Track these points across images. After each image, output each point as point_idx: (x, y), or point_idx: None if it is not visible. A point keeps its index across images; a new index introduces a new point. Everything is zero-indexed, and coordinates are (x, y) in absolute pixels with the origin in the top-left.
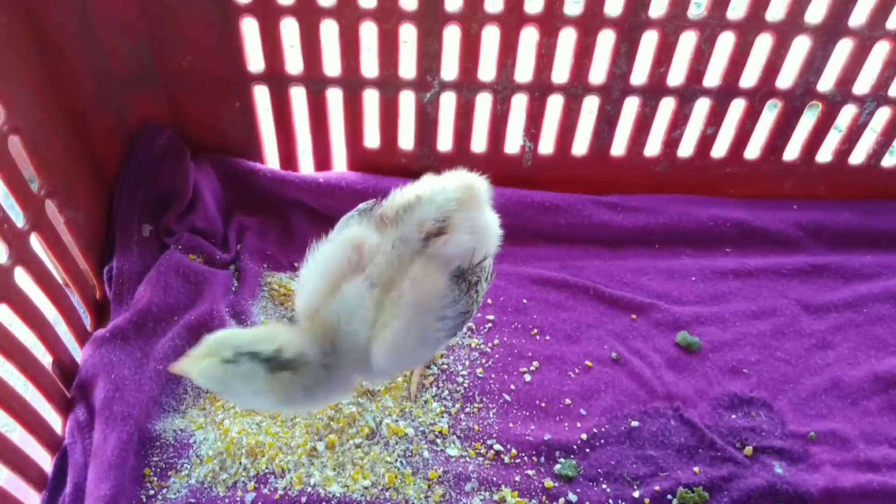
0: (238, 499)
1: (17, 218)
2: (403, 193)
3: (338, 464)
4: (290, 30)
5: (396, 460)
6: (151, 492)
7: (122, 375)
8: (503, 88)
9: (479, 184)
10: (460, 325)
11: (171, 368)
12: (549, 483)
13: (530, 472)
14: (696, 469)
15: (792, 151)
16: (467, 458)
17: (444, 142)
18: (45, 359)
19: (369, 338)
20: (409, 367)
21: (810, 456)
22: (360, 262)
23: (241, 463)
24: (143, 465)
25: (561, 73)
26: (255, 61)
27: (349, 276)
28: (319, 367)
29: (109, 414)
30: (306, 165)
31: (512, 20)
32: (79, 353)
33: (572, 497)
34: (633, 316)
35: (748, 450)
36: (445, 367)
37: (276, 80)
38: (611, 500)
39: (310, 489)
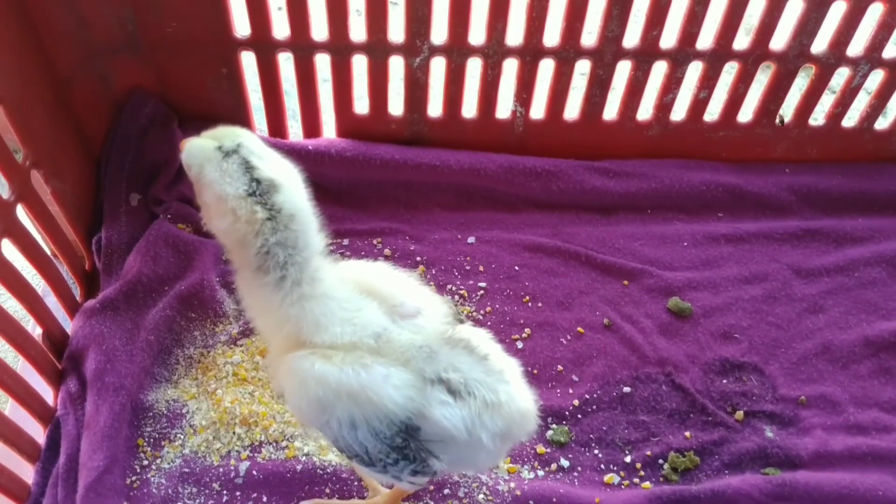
0: (232, 468)
1: (3, 189)
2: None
3: None
4: None
5: None
6: (145, 462)
7: (114, 346)
8: (494, 53)
9: None
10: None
11: (182, 142)
12: (541, 449)
13: None
14: (687, 434)
15: (785, 114)
16: None
17: (435, 107)
18: (35, 331)
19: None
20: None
21: (801, 420)
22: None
23: (234, 432)
24: (137, 436)
25: (552, 36)
26: (242, 26)
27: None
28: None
29: (101, 385)
30: (295, 133)
31: None
32: (69, 325)
33: (564, 462)
34: (625, 282)
35: (739, 414)
36: None
37: (263, 45)
38: (602, 465)
39: (304, 458)
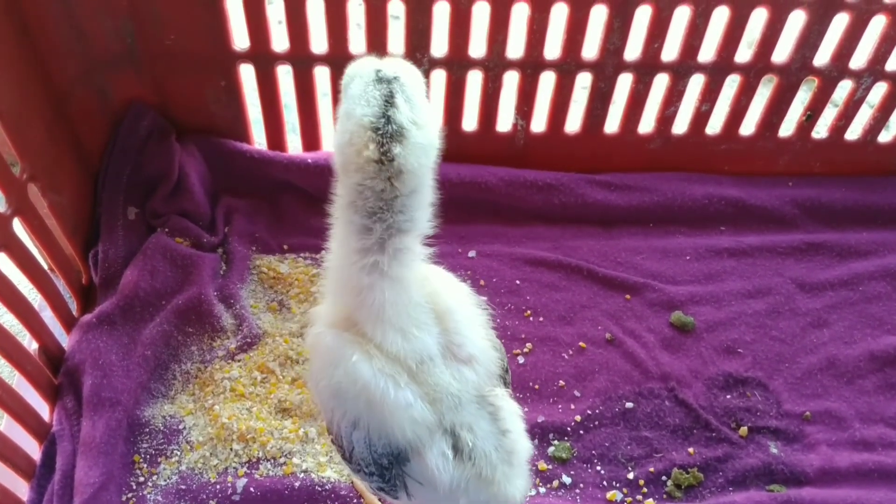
0: (229, 484)
1: (0, 202)
2: None
3: (330, 449)
4: (275, 5)
5: None
6: (141, 478)
7: (110, 361)
8: (494, 65)
9: None
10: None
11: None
12: (542, 465)
13: None
14: (690, 450)
15: (787, 128)
16: None
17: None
18: (32, 345)
19: None
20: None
21: (806, 436)
22: None
23: (232, 449)
24: (133, 452)
25: (553, 49)
26: (241, 39)
27: None
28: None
29: (97, 400)
30: (295, 146)
31: None
32: (65, 340)
33: (566, 479)
34: (627, 296)
35: (743, 430)
36: None
37: (262, 58)
38: (605, 482)
39: (302, 475)
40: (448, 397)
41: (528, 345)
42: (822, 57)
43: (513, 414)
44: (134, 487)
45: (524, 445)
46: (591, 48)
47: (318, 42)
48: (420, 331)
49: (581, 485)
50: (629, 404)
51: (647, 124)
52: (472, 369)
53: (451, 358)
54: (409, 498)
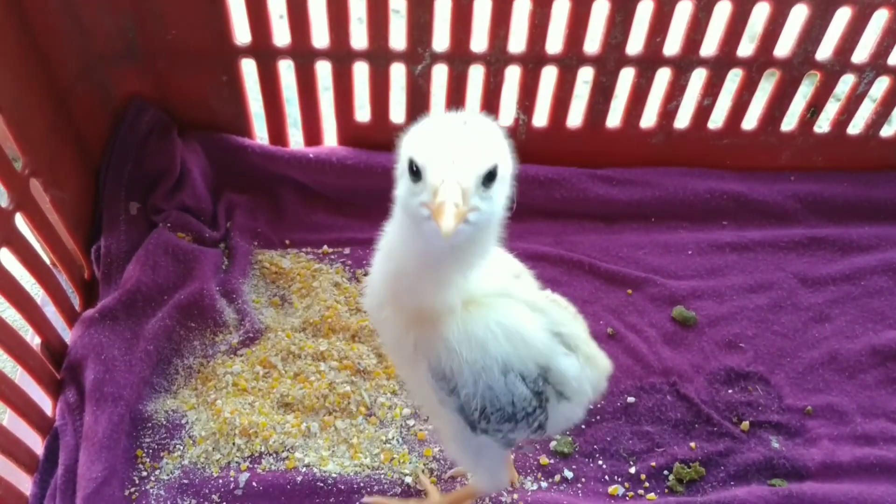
0: (232, 479)
1: (2, 198)
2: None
3: (333, 443)
4: (277, 0)
5: (392, 439)
6: (144, 473)
7: (112, 356)
8: (496, 60)
9: None
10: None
11: None
12: (544, 460)
13: (526, 449)
14: (692, 444)
15: (789, 122)
16: None
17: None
18: (34, 340)
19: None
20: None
21: (807, 430)
22: None
23: (234, 443)
24: (136, 447)
25: (555, 43)
26: (242, 34)
27: None
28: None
29: (100, 395)
30: (296, 141)
31: None
32: (68, 334)
33: (568, 473)
34: (629, 291)
35: (745, 424)
36: None
37: (264, 53)
38: (607, 477)
39: (304, 469)
40: (535, 307)
41: None
42: (825, 51)
43: (564, 300)
44: (136, 482)
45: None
46: (592, 42)
47: (320, 36)
48: (493, 266)
49: (583, 479)
50: (631, 399)
51: (649, 119)
52: (523, 281)
53: (511, 276)
54: (570, 401)
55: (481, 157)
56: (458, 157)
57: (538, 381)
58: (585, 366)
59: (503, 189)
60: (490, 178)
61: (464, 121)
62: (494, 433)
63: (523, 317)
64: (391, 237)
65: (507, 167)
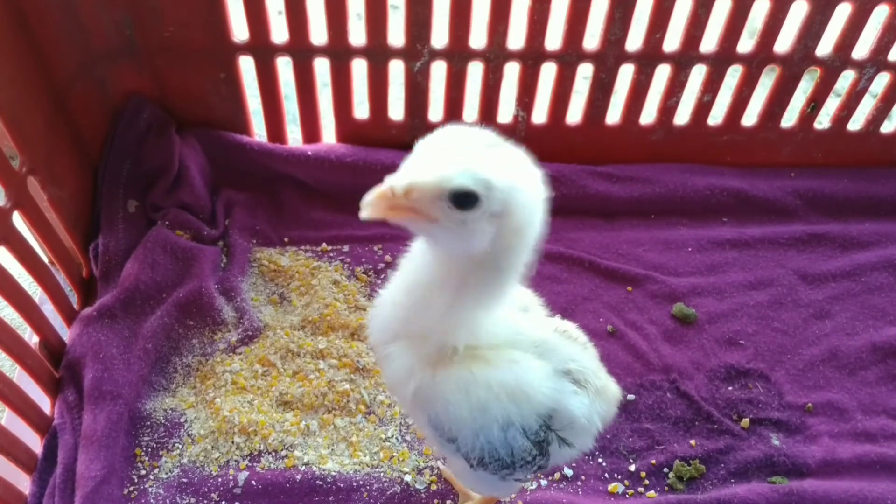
0: (231, 477)
1: None
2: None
3: (332, 441)
4: None
5: (391, 437)
6: (143, 472)
7: (111, 355)
8: (495, 56)
9: None
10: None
11: None
12: None
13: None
14: (692, 442)
15: (790, 118)
16: None
17: (436, 112)
18: (32, 339)
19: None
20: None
21: (808, 427)
22: None
23: (233, 442)
24: (134, 445)
25: (554, 40)
26: (240, 31)
27: None
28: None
29: (98, 394)
30: (295, 138)
31: None
32: (66, 333)
33: (568, 471)
34: (629, 288)
35: (745, 422)
36: None
37: (262, 50)
38: (606, 474)
39: (304, 467)
40: (544, 344)
41: None
42: (825, 47)
43: (574, 328)
44: (135, 480)
45: (593, 349)
46: (592, 39)
47: (318, 33)
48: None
49: (583, 477)
50: (631, 396)
51: (648, 115)
52: (531, 313)
53: (519, 310)
54: (572, 449)
55: (457, 175)
56: (433, 165)
57: (539, 431)
58: (595, 400)
59: (487, 228)
60: (463, 202)
61: (488, 144)
62: (494, 473)
63: (528, 371)
64: (412, 253)
65: (507, 210)
